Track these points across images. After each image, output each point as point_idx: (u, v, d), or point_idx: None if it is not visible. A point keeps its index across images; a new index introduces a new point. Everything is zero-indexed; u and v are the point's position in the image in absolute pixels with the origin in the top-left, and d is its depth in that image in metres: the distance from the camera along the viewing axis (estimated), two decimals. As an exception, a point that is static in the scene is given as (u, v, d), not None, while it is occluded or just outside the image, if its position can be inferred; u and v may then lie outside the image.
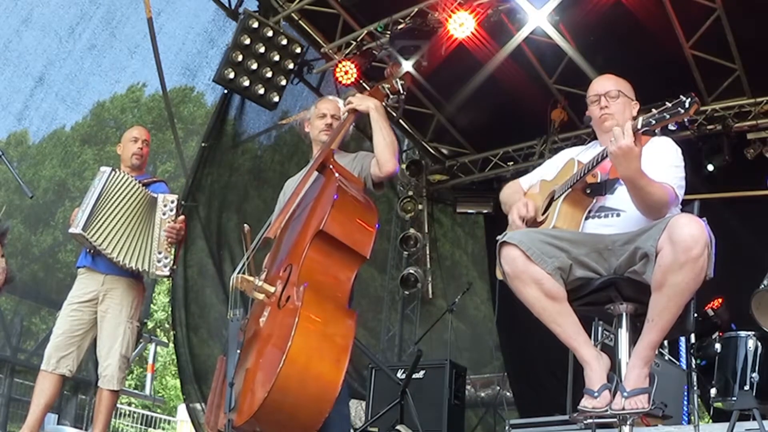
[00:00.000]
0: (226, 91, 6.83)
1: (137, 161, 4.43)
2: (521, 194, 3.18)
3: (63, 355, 4.12)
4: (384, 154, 3.28)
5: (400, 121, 8.00)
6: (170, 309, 7.13)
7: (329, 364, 2.70)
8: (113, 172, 4.22)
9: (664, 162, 2.84)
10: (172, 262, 4.26)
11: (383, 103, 3.44)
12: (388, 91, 3.45)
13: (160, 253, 4.18)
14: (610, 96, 3.02)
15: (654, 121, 2.57)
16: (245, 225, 3.33)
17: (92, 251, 4.22)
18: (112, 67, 6.32)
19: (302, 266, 2.89)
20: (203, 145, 6.83)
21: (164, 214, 4.24)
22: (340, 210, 2.96)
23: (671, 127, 2.59)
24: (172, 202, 4.28)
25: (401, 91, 3.48)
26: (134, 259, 4.14)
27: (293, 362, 2.62)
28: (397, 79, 3.48)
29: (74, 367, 4.17)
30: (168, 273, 4.24)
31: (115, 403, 4.29)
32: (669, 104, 2.54)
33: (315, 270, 2.90)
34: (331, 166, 3.16)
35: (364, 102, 3.35)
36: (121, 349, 4.15)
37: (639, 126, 2.61)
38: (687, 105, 2.49)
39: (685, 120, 2.57)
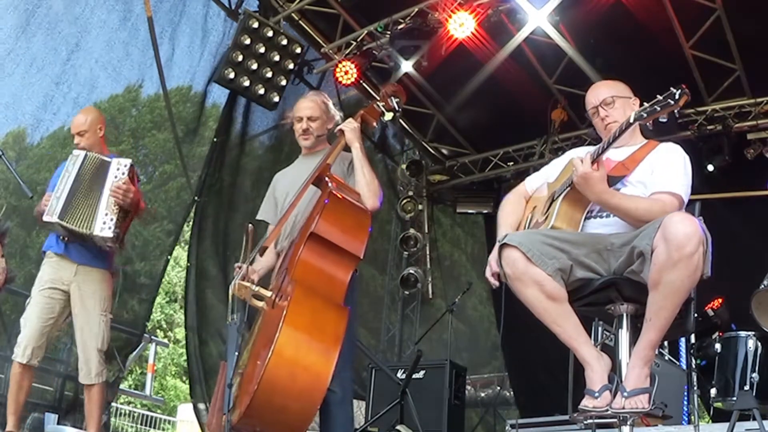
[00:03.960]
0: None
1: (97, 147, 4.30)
2: (512, 219, 3.12)
3: (37, 346, 4.08)
4: (362, 191, 3.39)
5: (400, 121, 8.01)
6: (173, 309, 7.13)
7: (318, 356, 2.76)
8: (87, 157, 4.15)
9: (669, 170, 2.85)
10: (117, 227, 4.07)
11: (379, 119, 3.58)
12: (383, 109, 3.56)
13: (106, 215, 4.04)
14: (606, 103, 3.03)
15: (645, 114, 2.67)
16: (249, 224, 3.39)
17: (66, 239, 4.13)
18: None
19: (296, 268, 2.99)
20: (215, 140, 6.81)
21: (116, 177, 4.12)
22: (330, 213, 3.07)
23: (662, 119, 2.69)
24: (125, 166, 4.17)
25: (396, 108, 3.58)
26: (81, 221, 4.02)
27: (280, 355, 2.68)
28: (392, 97, 3.56)
29: (42, 357, 4.14)
30: (111, 235, 4.05)
31: (104, 394, 4.25)
32: (660, 97, 2.63)
33: (307, 271, 2.99)
34: (326, 179, 3.26)
35: (352, 134, 3.46)
36: (98, 343, 4.13)
37: (632, 119, 2.72)
38: (677, 96, 2.58)
39: (676, 111, 2.62)
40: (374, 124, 3.66)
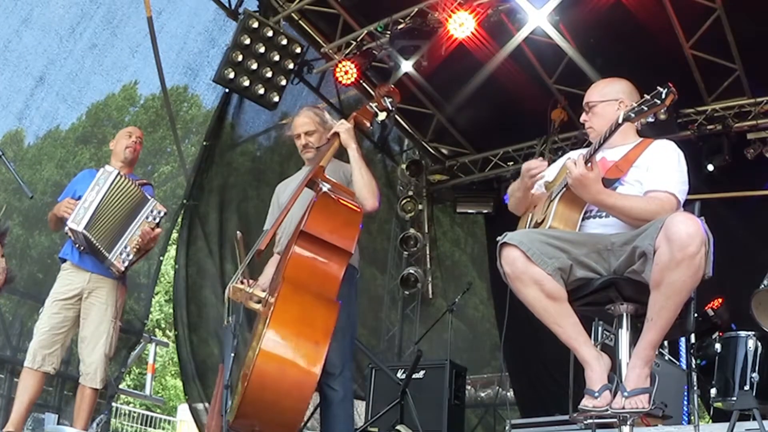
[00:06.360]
0: (227, 90, 6.83)
1: (130, 154, 4.49)
2: None
3: (48, 353, 4.16)
4: (362, 193, 3.44)
5: (400, 121, 8.01)
6: (172, 309, 7.14)
7: (307, 351, 2.80)
8: (119, 176, 4.26)
9: (664, 167, 2.85)
10: (130, 264, 4.29)
11: (373, 120, 3.61)
12: (376, 110, 3.59)
13: (125, 247, 4.22)
14: (588, 106, 3.07)
15: (633, 114, 2.67)
16: (237, 232, 3.44)
17: (83, 248, 4.24)
18: (114, 66, 6.32)
19: (287, 266, 3.03)
20: (205, 144, 6.83)
21: (147, 217, 4.30)
22: (319, 211, 3.12)
23: (651, 118, 2.68)
24: (159, 213, 4.36)
25: (390, 108, 3.61)
26: (102, 240, 4.15)
27: (267, 353, 2.73)
28: (385, 98, 3.57)
29: (58, 364, 4.22)
30: (123, 269, 4.26)
31: (96, 399, 4.32)
32: (648, 96, 2.63)
33: (297, 268, 3.03)
34: (319, 181, 3.30)
35: (346, 134, 3.50)
36: (105, 348, 4.20)
37: (620, 120, 2.71)
38: (663, 96, 2.58)
39: (663, 108, 2.62)
40: (368, 125, 3.69)
